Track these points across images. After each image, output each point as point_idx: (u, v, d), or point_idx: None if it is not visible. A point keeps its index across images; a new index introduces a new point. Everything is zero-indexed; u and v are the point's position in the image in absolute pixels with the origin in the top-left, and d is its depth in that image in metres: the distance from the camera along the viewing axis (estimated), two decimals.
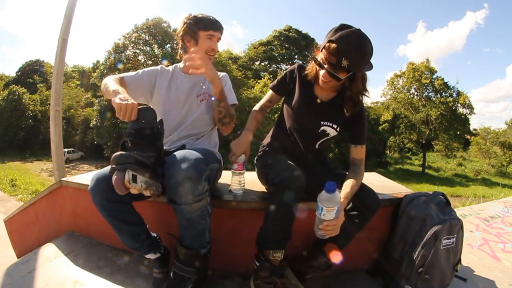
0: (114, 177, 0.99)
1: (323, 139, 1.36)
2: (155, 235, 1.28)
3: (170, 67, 1.52)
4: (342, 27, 1.14)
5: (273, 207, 1.12)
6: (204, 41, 1.38)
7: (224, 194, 1.40)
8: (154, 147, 1.06)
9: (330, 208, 1.04)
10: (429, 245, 1.25)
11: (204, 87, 1.45)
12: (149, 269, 1.36)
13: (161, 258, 1.26)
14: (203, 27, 1.36)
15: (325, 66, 1.16)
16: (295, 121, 1.37)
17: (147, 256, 1.23)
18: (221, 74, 1.48)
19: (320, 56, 1.18)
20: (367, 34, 1.14)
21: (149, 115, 1.08)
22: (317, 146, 1.38)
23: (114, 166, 1.00)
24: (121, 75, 1.37)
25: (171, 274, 1.13)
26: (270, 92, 1.48)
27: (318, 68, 1.23)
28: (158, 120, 1.12)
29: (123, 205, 1.15)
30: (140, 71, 1.45)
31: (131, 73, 1.42)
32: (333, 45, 1.10)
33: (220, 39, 1.43)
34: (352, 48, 1.10)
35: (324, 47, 1.15)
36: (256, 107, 1.52)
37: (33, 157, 25.88)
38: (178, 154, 1.07)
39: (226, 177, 1.48)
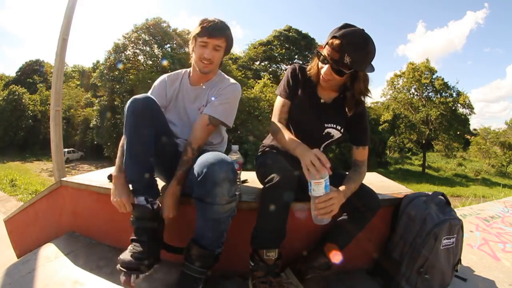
0: (122, 278, 1.11)
1: (328, 141, 1.36)
2: (156, 185, 1.24)
3: (179, 75, 1.48)
4: (346, 26, 1.15)
5: (265, 206, 1.12)
6: (197, 48, 1.31)
7: None
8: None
9: (317, 182, 1.03)
10: (429, 245, 1.25)
11: (204, 101, 1.40)
12: (149, 269, 1.35)
13: (149, 212, 1.15)
14: (199, 33, 1.29)
15: (329, 62, 1.17)
16: (298, 123, 1.36)
17: (137, 201, 1.16)
18: (230, 81, 1.42)
19: (324, 52, 1.19)
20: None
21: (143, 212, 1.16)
22: (321, 149, 1.37)
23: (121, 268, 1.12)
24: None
25: (181, 274, 1.12)
26: (281, 100, 1.35)
27: (320, 65, 1.23)
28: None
29: (146, 128, 1.15)
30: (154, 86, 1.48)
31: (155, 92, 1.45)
32: (337, 41, 1.12)
33: (219, 47, 1.32)
34: (355, 46, 1.11)
35: (327, 43, 1.16)
36: (278, 123, 1.31)
37: (33, 157, 25.89)
38: (212, 155, 1.08)
39: None
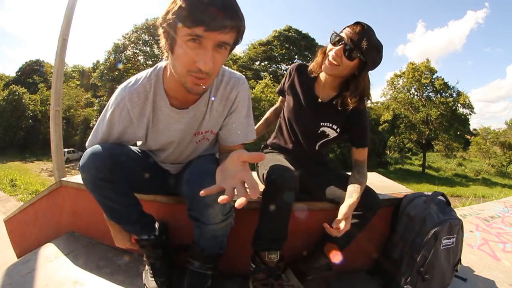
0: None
1: (323, 140, 1.35)
2: (149, 215, 1.20)
3: (146, 93, 0.97)
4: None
5: (266, 207, 1.11)
6: (182, 46, 0.75)
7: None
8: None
9: None
10: (429, 245, 1.25)
11: (203, 127, 1.07)
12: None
13: (154, 242, 1.21)
14: (185, 16, 0.71)
15: (344, 42, 1.15)
16: (295, 121, 1.37)
17: (143, 237, 1.20)
18: (233, 81, 1.03)
19: (342, 34, 1.18)
20: None
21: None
22: (317, 148, 1.38)
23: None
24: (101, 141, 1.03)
25: (188, 272, 1.13)
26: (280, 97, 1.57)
27: (330, 47, 1.20)
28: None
29: (118, 186, 1.00)
30: (107, 122, 1.01)
31: (104, 132, 1.02)
32: (359, 26, 1.15)
33: (226, 45, 0.78)
34: (374, 36, 1.16)
35: (348, 26, 1.18)
36: (272, 108, 1.63)
37: (33, 157, 25.88)
38: (198, 169, 0.98)
39: None
